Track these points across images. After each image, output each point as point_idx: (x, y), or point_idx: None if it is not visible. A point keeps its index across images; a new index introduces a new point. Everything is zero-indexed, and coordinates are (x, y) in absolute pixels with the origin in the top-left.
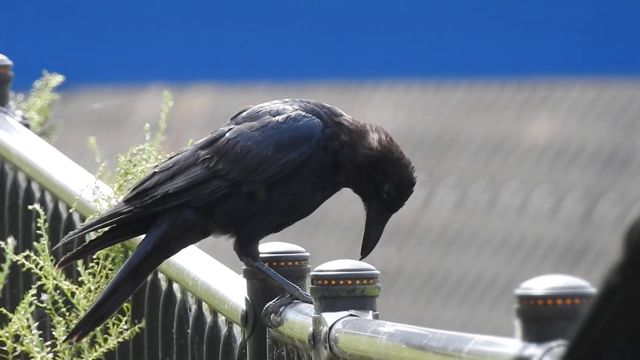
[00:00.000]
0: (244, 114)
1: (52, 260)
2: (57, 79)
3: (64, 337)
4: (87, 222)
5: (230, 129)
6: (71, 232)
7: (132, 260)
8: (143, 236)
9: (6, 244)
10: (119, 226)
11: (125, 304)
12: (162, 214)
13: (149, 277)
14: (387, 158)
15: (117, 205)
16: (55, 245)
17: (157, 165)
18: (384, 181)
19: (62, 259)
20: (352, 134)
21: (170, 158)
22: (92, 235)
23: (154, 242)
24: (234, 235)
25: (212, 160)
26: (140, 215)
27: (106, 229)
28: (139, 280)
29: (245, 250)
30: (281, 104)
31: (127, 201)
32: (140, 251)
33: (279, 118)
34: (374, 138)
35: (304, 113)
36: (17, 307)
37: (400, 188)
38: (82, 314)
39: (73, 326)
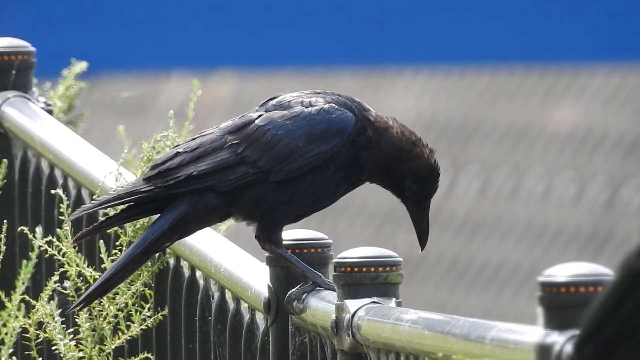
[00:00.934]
0: (274, 101)
1: (74, 247)
2: (81, 65)
3: (70, 309)
4: (103, 197)
5: (259, 116)
6: (85, 206)
7: (147, 237)
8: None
9: (30, 231)
10: (136, 204)
11: (148, 291)
12: (182, 195)
13: (172, 264)
14: (397, 156)
15: (136, 183)
16: (67, 218)
17: (178, 145)
18: (402, 179)
19: (77, 235)
20: (376, 130)
21: (194, 139)
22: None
23: (171, 222)
24: (256, 221)
25: (240, 146)
26: (159, 195)
27: (124, 206)
28: (147, 257)
29: (269, 237)
30: (313, 96)
31: (147, 179)
32: (156, 230)
33: (312, 109)
34: (392, 134)
35: (337, 106)
36: (41, 295)
37: (419, 181)
38: (108, 305)
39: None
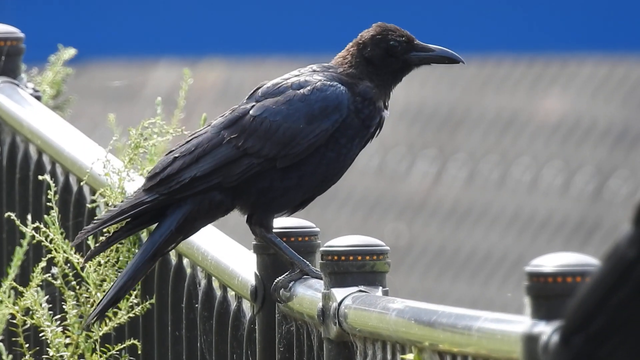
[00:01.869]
0: (260, 90)
1: (62, 234)
2: (69, 52)
3: (86, 323)
4: (106, 215)
5: (252, 106)
6: (89, 227)
7: (155, 241)
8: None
9: (17, 217)
10: (138, 214)
11: None
12: (187, 197)
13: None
14: (369, 61)
15: (137, 195)
16: (74, 242)
17: (172, 151)
18: (383, 59)
19: (87, 254)
20: (348, 75)
21: (188, 141)
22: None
23: (177, 223)
24: (260, 209)
25: (239, 139)
26: (165, 202)
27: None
28: (155, 261)
29: (261, 221)
30: (300, 76)
31: (149, 190)
32: (163, 232)
33: (304, 90)
34: (350, 61)
35: (329, 82)
36: (30, 283)
37: (383, 42)
38: (95, 292)
39: (92, 310)
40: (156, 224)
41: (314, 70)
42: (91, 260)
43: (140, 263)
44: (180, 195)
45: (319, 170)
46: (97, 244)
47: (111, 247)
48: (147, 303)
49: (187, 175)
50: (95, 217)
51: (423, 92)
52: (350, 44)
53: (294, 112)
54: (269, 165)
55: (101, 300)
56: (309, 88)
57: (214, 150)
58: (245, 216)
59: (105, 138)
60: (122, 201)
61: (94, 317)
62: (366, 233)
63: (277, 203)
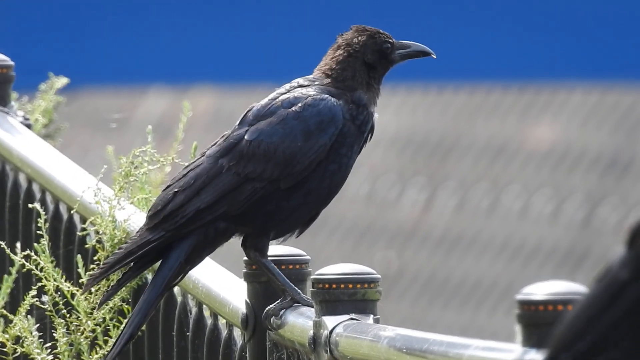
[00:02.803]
0: (251, 114)
1: (52, 262)
2: (61, 81)
3: None
4: (113, 258)
5: (246, 131)
6: (96, 272)
7: (166, 275)
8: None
9: (7, 246)
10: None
11: (126, 306)
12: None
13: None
14: (354, 65)
15: (142, 235)
16: (84, 289)
17: (169, 185)
18: (374, 61)
19: (101, 300)
20: (339, 82)
21: (185, 175)
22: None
23: (186, 254)
24: (264, 232)
25: (239, 165)
26: (172, 238)
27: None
28: (166, 293)
29: (256, 245)
30: (289, 94)
31: (153, 228)
32: (172, 265)
33: (296, 108)
34: (335, 68)
35: (319, 96)
36: (19, 309)
37: (371, 41)
38: (85, 320)
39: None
40: (162, 259)
41: (301, 85)
42: (81, 289)
43: (152, 298)
44: (187, 230)
45: (323, 185)
46: (109, 288)
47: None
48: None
49: (191, 209)
50: (103, 262)
51: (413, 120)
52: (333, 50)
53: (290, 132)
54: (273, 188)
55: (118, 339)
56: (300, 105)
57: (215, 180)
58: (241, 240)
59: (94, 165)
60: (126, 242)
61: (112, 357)
62: (356, 261)
63: (286, 224)
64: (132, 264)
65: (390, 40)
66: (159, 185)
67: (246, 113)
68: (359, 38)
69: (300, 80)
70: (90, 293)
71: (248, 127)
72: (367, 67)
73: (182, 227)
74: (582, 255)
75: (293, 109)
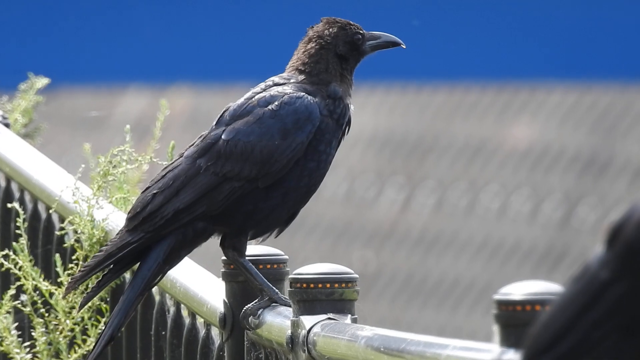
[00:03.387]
0: (227, 114)
1: (31, 261)
2: (42, 81)
3: None
4: (93, 261)
5: (223, 131)
6: (77, 275)
7: (145, 275)
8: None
9: None
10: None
11: (104, 305)
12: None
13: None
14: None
15: (122, 237)
16: (65, 292)
17: (148, 187)
18: (346, 52)
19: (81, 302)
20: (312, 77)
21: (163, 176)
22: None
23: (164, 255)
24: (242, 232)
25: (216, 165)
26: (152, 240)
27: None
28: (145, 294)
29: (234, 244)
30: (264, 92)
31: (133, 230)
32: (151, 265)
33: (273, 106)
34: (309, 62)
35: (295, 94)
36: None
37: (343, 33)
38: (64, 319)
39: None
40: (141, 259)
41: (277, 84)
42: (60, 288)
43: (132, 299)
44: (166, 231)
45: (302, 183)
46: (89, 291)
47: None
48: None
49: (169, 210)
50: (83, 265)
51: (391, 120)
52: (305, 43)
53: (266, 130)
54: (251, 187)
55: (98, 340)
56: (276, 103)
57: (193, 180)
58: (219, 239)
59: (73, 165)
60: (105, 244)
61: (93, 358)
62: (334, 260)
63: (264, 224)
64: (112, 265)
65: (361, 32)
66: (136, 184)
67: (223, 113)
68: (330, 30)
69: (276, 79)
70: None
71: (225, 127)
72: (340, 59)
73: (162, 228)
74: (561, 255)
75: (269, 107)
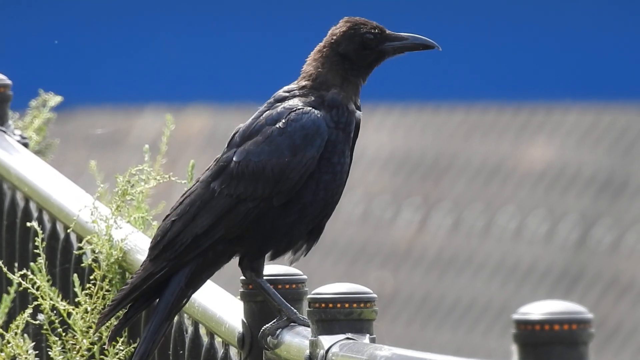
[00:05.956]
0: (237, 136)
1: (48, 281)
2: (55, 99)
3: None
4: (120, 295)
5: (234, 152)
6: (106, 310)
7: (168, 300)
8: None
9: (4, 264)
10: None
11: None
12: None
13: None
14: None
15: (145, 267)
16: (95, 329)
17: (168, 215)
18: (358, 54)
19: (109, 335)
20: (316, 81)
21: (181, 202)
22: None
23: (186, 278)
24: (258, 252)
25: (230, 187)
26: (175, 268)
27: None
28: (172, 318)
29: (251, 265)
30: (271, 109)
31: (155, 259)
32: (174, 290)
33: (280, 124)
34: (320, 71)
35: (301, 110)
36: (10, 325)
37: (354, 37)
38: (81, 339)
39: None
40: (164, 285)
41: (282, 98)
42: (77, 308)
43: (157, 325)
44: (188, 257)
45: (318, 197)
46: (117, 323)
47: (98, 295)
48: (131, 347)
49: (188, 235)
50: (111, 299)
51: (408, 140)
52: (321, 44)
53: (276, 148)
54: (267, 206)
55: None
56: (284, 120)
57: (208, 204)
58: (238, 260)
59: (90, 185)
60: (131, 277)
61: None
62: (351, 281)
63: (284, 242)
64: (139, 297)
65: (376, 31)
66: (144, 199)
67: (233, 135)
68: (340, 29)
69: (281, 92)
70: (87, 312)
71: (236, 148)
72: (342, 59)
73: (183, 255)
74: (577, 276)
75: (277, 125)
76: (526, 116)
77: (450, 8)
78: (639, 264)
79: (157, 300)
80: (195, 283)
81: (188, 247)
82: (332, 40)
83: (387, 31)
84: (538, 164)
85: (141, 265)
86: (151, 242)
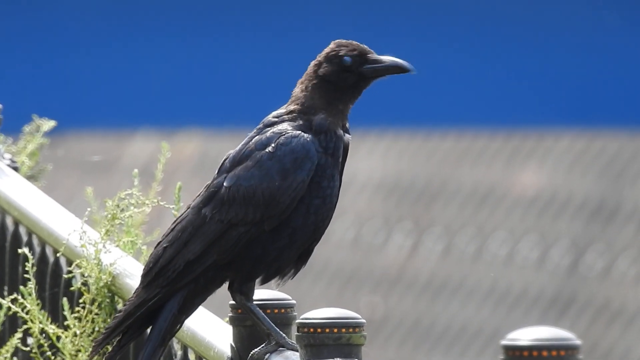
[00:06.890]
0: (227, 161)
1: (38, 305)
2: (49, 124)
3: None
4: (114, 322)
5: (224, 178)
6: (99, 339)
7: (161, 327)
8: None
9: None
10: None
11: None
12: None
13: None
14: (326, 88)
15: (138, 295)
16: (90, 357)
17: (160, 242)
18: (341, 80)
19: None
20: (304, 105)
21: (173, 229)
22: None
23: (179, 304)
24: (248, 276)
25: (221, 212)
26: (168, 295)
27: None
28: (165, 345)
29: (241, 288)
30: (260, 134)
31: (148, 286)
32: (167, 316)
33: (270, 149)
34: (308, 94)
35: (290, 134)
36: (0, 350)
37: (334, 58)
38: None
39: None
40: (157, 312)
41: (271, 123)
42: (67, 331)
43: (151, 352)
44: (181, 284)
45: (309, 221)
46: (110, 351)
47: (87, 318)
48: None
49: (180, 262)
50: (105, 327)
51: (399, 165)
52: (309, 67)
53: (265, 173)
54: (258, 231)
55: None
56: (273, 145)
57: (200, 230)
58: (227, 283)
59: (81, 209)
60: (124, 304)
61: None
62: (342, 306)
63: (274, 266)
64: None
65: (355, 52)
66: (139, 226)
67: (223, 161)
68: (324, 51)
69: (270, 118)
70: (76, 335)
71: (226, 174)
72: (326, 82)
73: (176, 281)
74: (568, 302)
75: (267, 150)
76: (517, 142)
77: (441, 34)
78: (630, 289)
79: (150, 327)
80: (187, 309)
81: (180, 273)
82: (316, 63)
83: (370, 54)
84: (529, 190)
85: (134, 293)
86: (143, 269)
